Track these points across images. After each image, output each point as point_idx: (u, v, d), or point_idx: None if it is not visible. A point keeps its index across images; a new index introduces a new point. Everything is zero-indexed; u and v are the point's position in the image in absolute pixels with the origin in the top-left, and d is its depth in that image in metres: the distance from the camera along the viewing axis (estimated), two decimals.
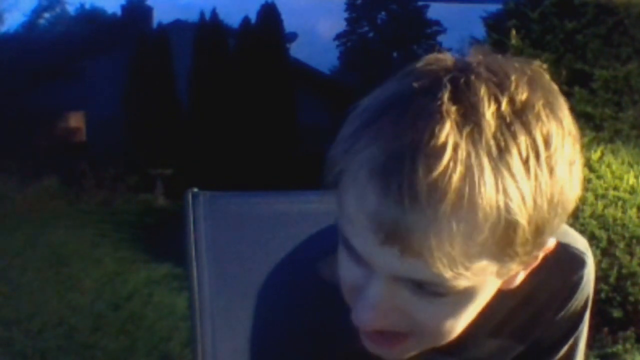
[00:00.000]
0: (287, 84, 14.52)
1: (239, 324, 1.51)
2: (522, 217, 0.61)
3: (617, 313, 4.34)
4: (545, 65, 0.70)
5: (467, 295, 0.66)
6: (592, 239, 4.25)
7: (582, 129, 0.82)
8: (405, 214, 0.60)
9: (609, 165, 4.74)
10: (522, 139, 0.61)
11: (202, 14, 14.88)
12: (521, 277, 0.72)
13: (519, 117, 0.62)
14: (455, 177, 0.59)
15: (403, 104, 0.64)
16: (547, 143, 0.63)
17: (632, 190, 4.60)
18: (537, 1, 8.98)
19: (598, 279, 0.86)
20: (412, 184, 0.59)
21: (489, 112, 0.61)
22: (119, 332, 4.68)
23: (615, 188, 4.60)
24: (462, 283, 0.63)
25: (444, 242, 0.60)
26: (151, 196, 12.59)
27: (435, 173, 0.59)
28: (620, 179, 4.66)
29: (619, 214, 4.45)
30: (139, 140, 13.45)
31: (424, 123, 0.61)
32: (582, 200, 4.42)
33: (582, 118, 5.11)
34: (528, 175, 0.61)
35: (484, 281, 0.66)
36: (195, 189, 1.50)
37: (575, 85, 5.45)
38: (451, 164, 0.59)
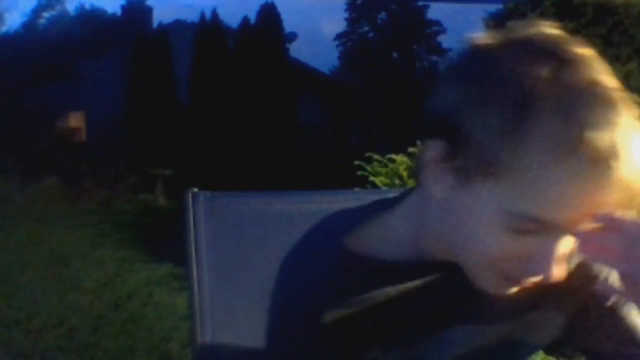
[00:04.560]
0: (287, 84, 14.53)
1: (239, 324, 1.51)
2: None
3: None
4: None
5: None
6: None
7: None
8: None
9: None
10: None
11: (202, 14, 14.90)
12: None
13: None
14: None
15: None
16: None
17: None
18: (537, 1, 8.99)
19: None
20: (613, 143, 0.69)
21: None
22: (119, 332, 4.68)
23: None
24: None
25: None
26: (151, 196, 12.59)
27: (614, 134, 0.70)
28: None
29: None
30: (139, 140, 13.45)
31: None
32: None
33: None
34: None
35: None
36: (195, 189, 1.50)
37: None
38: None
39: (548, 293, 0.85)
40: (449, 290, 0.84)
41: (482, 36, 0.78)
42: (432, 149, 0.77)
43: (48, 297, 5.51)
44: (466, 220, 0.77)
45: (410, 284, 0.83)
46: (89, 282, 6.06)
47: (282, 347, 0.87)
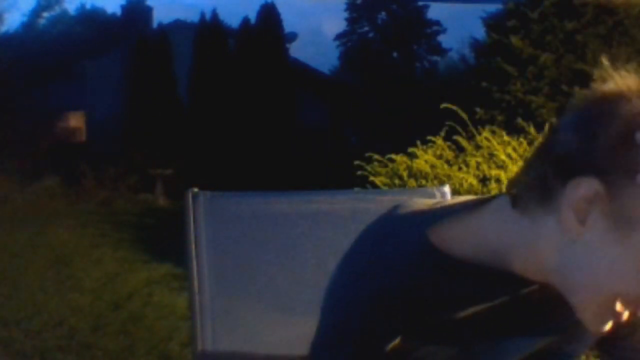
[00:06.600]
0: (287, 84, 14.52)
1: (239, 323, 1.51)
2: None
3: None
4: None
5: None
6: None
7: None
8: None
9: None
10: None
11: (202, 14, 14.90)
12: None
13: None
14: None
15: None
16: None
17: None
18: (537, 1, 8.97)
19: None
20: None
21: None
22: (119, 332, 4.67)
23: None
24: None
25: None
26: (151, 196, 12.59)
27: None
28: None
29: None
30: (139, 140, 13.45)
31: None
32: None
33: None
34: None
35: None
36: (195, 189, 1.50)
37: (575, 85, 5.45)
38: None
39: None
40: (515, 302, 0.83)
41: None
42: (581, 188, 0.73)
43: (48, 297, 5.51)
44: (609, 265, 0.74)
45: (480, 289, 0.82)
46: (89, 282, 6.06)
47: (338, 325, 0.84)
